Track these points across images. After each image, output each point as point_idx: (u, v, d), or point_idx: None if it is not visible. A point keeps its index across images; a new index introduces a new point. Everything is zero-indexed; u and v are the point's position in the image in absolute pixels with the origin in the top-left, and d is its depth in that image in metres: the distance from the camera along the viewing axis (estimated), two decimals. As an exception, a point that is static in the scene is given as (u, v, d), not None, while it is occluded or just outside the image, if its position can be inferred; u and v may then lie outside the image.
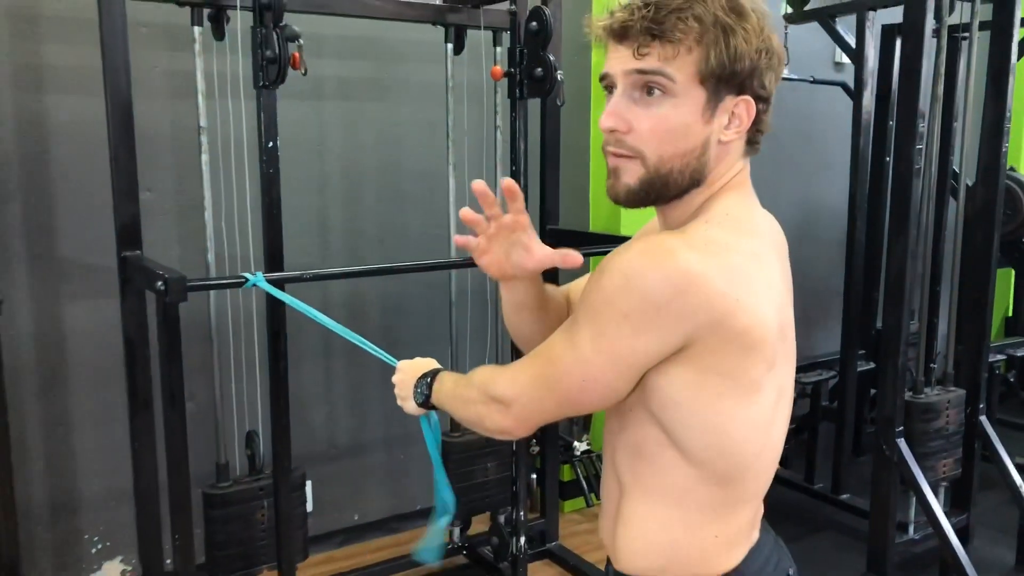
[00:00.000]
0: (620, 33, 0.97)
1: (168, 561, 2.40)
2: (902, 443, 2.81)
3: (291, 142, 2.80)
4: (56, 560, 2.63)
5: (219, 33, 2.27)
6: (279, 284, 2.07)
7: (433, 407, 1.25)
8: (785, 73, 3.42)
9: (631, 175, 1.00)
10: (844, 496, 3.35)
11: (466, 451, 2.73)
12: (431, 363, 1.28)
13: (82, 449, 2.62)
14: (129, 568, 2.72)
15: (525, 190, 2.60)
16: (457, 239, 1.20)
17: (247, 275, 1.89)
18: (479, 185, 1.09)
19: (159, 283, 1.79)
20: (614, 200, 1.03)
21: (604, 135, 1.01)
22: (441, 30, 2.60)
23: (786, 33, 3.39)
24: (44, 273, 2.50)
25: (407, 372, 1.28)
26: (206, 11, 2.22)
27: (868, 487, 2.89)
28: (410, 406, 1.27)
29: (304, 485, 2.49)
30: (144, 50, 2.52)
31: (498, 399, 1.04)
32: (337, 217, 2.97)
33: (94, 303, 2.50)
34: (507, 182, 1.11)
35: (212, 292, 2.38)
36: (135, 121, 2.08)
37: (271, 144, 2.11)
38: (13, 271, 2.46)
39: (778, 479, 3.55)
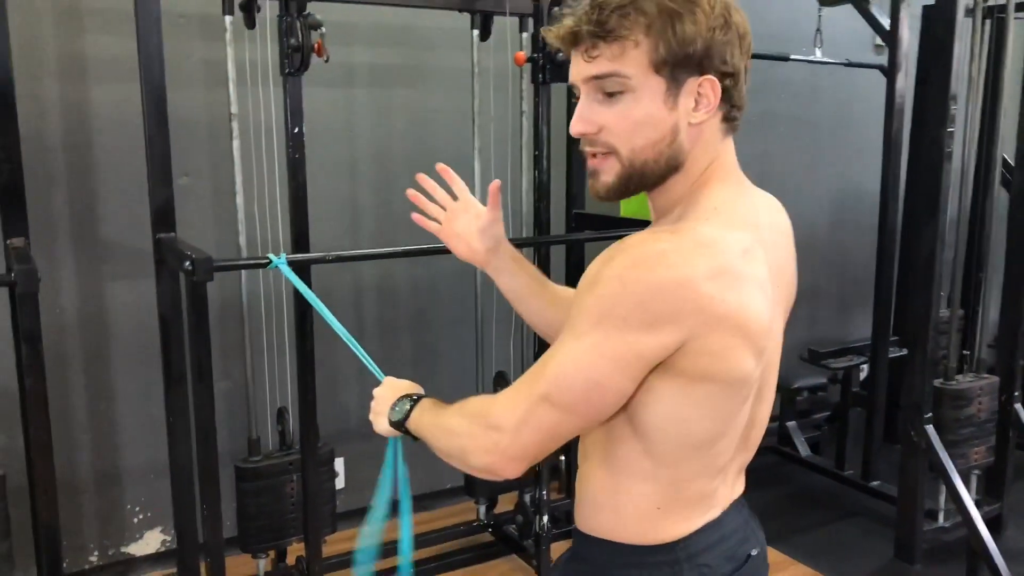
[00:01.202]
0: (570, 40, 1.01)
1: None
2: (930, 430, 2.78)
3: (323, 128, 2.88)
4: (101, 528, 2.76)
5: (250, 22, 2.34)
6: (302, 265, 2.15)
7: (406, 431, 1.21)
8: (819, 56, 3.42)
9: (608, 172, 1.03)
10: (874, 483, 3.32)
11: (491, 431, 2.78)
12: (415, 387, 1.26)
13: (124, 423, 2.74)
14: (168, 538, 2.84)
15: (549, 174, 2.64)
16: (414, 216, 1.35)
17: (271, 256, 1.96)
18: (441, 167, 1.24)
19: (187, 263, 1.87)
20: (596, 197, 1.07)
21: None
22: (467, 17, 2.64)
23: (819, 16, 3.36)
24: (87, 254, 2.62)
25: (389, 388, 1.26)
26: (237, 1, 2.29)
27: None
28: (381, 423, 1.23)
29: (332, 461, 2.57)
30: (181, 39, 2.61)
31: (495, 427, 1.01)
32: (368, 202, 3.04)
33: (134, 283, 2.61)
34: (492, 187, 1.30)
35: (244, 274, 2.47)
36: (173, 108, 2.16)
37: (297, 130, 2.18)
38: (59, 252, 2.58)
39: (808, 465, 3.56)
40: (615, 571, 1.08)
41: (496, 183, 1.34)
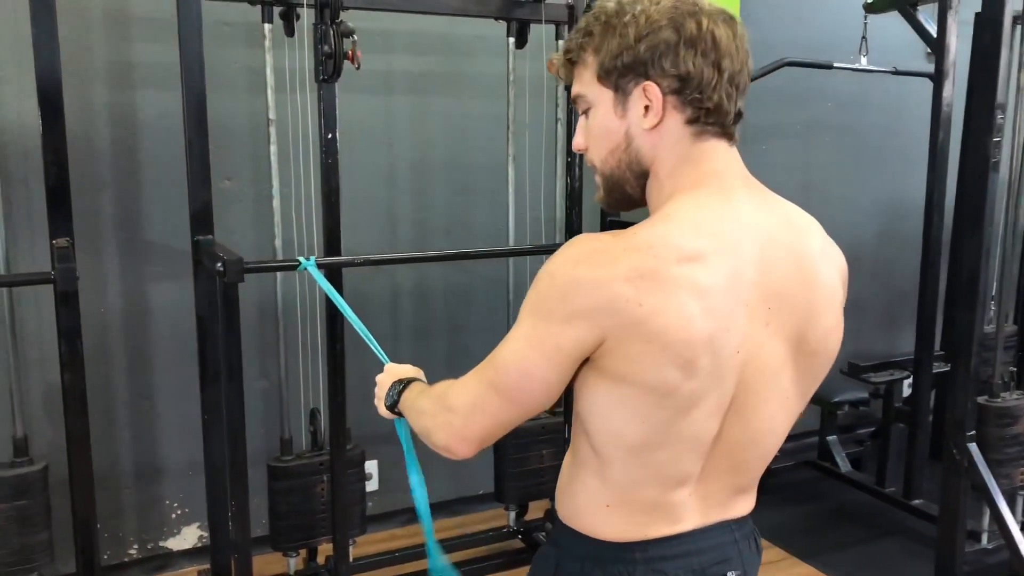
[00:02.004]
0: (559, 73, 1.13)
1: (236, 528, 2.56)
2: (973, 448, 2.70)
3: (362, 135, 2.92)
4: (140, 522, 2.83)
5: (289, 30, 2.40)
6: (333, 268, 2.19)
7: (399, 414, 1.32)
8: (865, 64, 3.35)
9: (599, 187, 1.13)
10: (916, 501, 3.24)
11: (522, 437, 2.79)
12: (416, 372, 1.37)
13: (164, 421, 2.81)
14: (205, 534, 2.90)
15: (582, 181, 2.64)
16: None
17: (300, 259, 2.00)
18: None
19: (218, 264, 1.92)
20: (605, 208, 1.18)
21: None
22: (504, 25, 2.66)
23: (865, 23, 3.30)
24: (131, 255, 2.70)
25: (389, 375, 1.37)
26: (276, 9, 2.34)
27: (942, 493, 2.80)
28: (381, 407, 1.36)
29: (362, 462, 2.60)
30: (225, 47, 2.68)
31: (449, 408, 1.10)
32: (406, 208, 3.08)
33: (175, 284, 2.68)
34: None
35: (279, 277, 2.52)
36: (216, 114, 2.22)
37: (330, 135, 2.22)
38: (104, 253, 2.66)
39: (848, 481, 3.49)
40: (575, 560, 1.12)
41: None
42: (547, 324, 0.99)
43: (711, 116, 1.03)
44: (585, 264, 0.97)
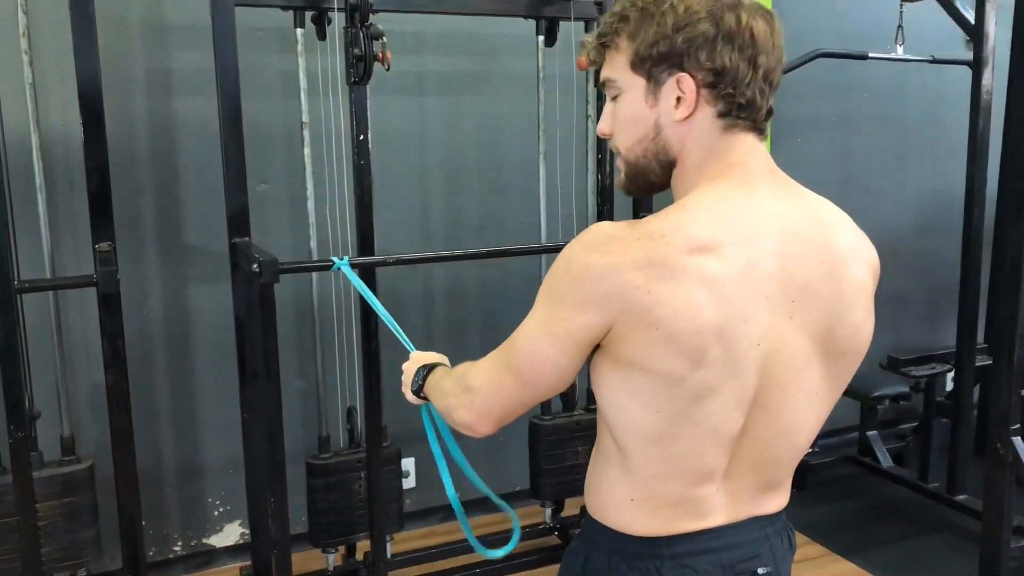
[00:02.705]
0: (592, 54, 1.11)
1: (277, 525, 2.60)
2: (1018, 442, 2.66)
3: (394, 136, 2.95)
4: (184, 520, 2.89)
5: (321, 34, 2.43)
6: (366, 268, 2.22)
7: (425, 399, 1.37)
8: (901, 54, 3.30)
9: (622, 171, 1.12)
10: (960, 497, 3.18)
11: (556, 434, 2.80)
12: (440, 358, 1.43)
13: (205, 420, 2.87)
14: (247, 531, 2.95)
15: (612, 178, 2.64)
16: None
17: (334, 259, 2.03)
18: None
19: (254, 266, 1.96)
20: (624, 193, 1.17)
21: None
22: (533, 23, 2.67)
23: (901, 12, 3.25)
24: (172, 258, 2.76)
25: (414, 361, 1.43)
26: (308, 14, 2.38)
27: (986, 488, 2.75)
28: (408, 394, 1.42)
29: (399, 459, 2.63)
30: (259, 52, 2.73)
31: (468, 388, 1.14)
32: (438, 207, 3.10)
33: (214, 286, 2.73)
34: None
35: (315, 277, 2.56)
36: (252, 118, 2.26)
37: (362, 137, 2.25)
38: (145, 257, 2.72)
39: (890, 476, 3.44)
40: (603, 554, 1.12)
41: None
42: (558, 309, 1.01)
43: (743, 111, 1.03)
44: (598, 251, 0.98)
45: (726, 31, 1.01)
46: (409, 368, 1.42)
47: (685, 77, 1.02)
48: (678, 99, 1.03)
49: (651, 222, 1.00)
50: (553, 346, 1.02)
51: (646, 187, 1.10)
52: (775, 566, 1.14)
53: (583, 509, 2.83)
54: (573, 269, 1.00)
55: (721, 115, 1.03)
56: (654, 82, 1.04)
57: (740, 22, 1.01)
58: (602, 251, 0.98)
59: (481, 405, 1.11)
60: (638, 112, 1.06)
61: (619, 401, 1.04)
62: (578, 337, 1.01)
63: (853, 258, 1.07)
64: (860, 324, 1.08)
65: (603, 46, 1.08)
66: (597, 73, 1.13)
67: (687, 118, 1.03)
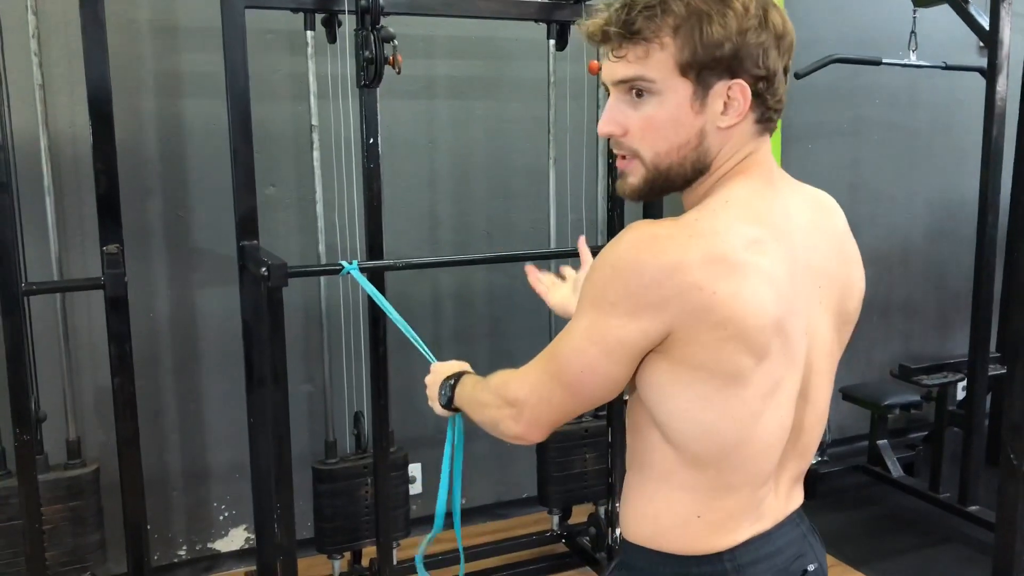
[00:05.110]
0: (599, 37, 0.99)
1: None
2: (1031, 453, 2.62)
3: (403, 139, 2.94)
4: (189, 524, 2.88)
5: (331, 36, 2.42)
6: (375, 272, 2.20)
7: (456, 410, 1.31)
8: (914, 60, 3.28)
9: (635, 176, 1.02)
10: (972, 508, 3.15)
11: (564, 441, 2.78)
12: (462, 366, 1.36)
13: (211, 424, 2.86)
14: (252, 536, 2.93)
15: (624, 183, 2.62)
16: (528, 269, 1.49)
17: (343, 263, 2.01)
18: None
19: (263, 269, 1.94)
20: (623, 197, 1.08)
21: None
22: (544, 28, 2.65)
23: (914, 17, 3.23)
24: (179, 261, 2.75)
25: (437, 374, 1.36)
26: (318, 16, 2.36)
27: (999, 499, 2.71)
28: (436, 407, 1.34)
29: (406, 465, 2.61)
30: (269, 55, 2.72)
31: (511, 402, 1.07)
32: (447, 211, 3.08)
33: (221, 289, 2.72)
34: (580, 242, 1.52)
35: (323, 281, 2.54)
36: (262, 121, 2.25)
37: (372, 140, 2.23)
38: (153, 259, 2.71)
39: (901, 486, 3.40)
40: None
41: (582, 239, 1.56)
42: (608, 317, 0.93)
43: (775, 113, 1.01)
44: (649, 251, 0.91)
45: (777, 33, 0.96)
46: (433, 381, 1.35)
47: (742, 84, 0.96)
48: (725, 104, 0.97)
49: (699, 220, 0.95)
50: (603, 356, 0.96)
51: (659, 193, 1.03)
52: (819, 563, 1.12)
53: (591, 516, 2.83)
54: (623, 272, 0.92)
55: (759, 120, 1.00)
56: (703, 87, 0.96)
57: (785, 23, 0.98)
58: (654, 251, 0.91)
59: (530, 416, 1.05)
60: (680, 117, 0.97)
61: (687, 412, 0.97)
62: (631, 345, 0.94)
63: (850, 238, 1.12)
64: (860, 295, 1.13)
65: (634, 35, 0.95)
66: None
67: (732, 126, 0.98)
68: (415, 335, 1.66)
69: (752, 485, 1.03)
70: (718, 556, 1.03)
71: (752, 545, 1.04)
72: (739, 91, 0.96)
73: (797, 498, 1.13)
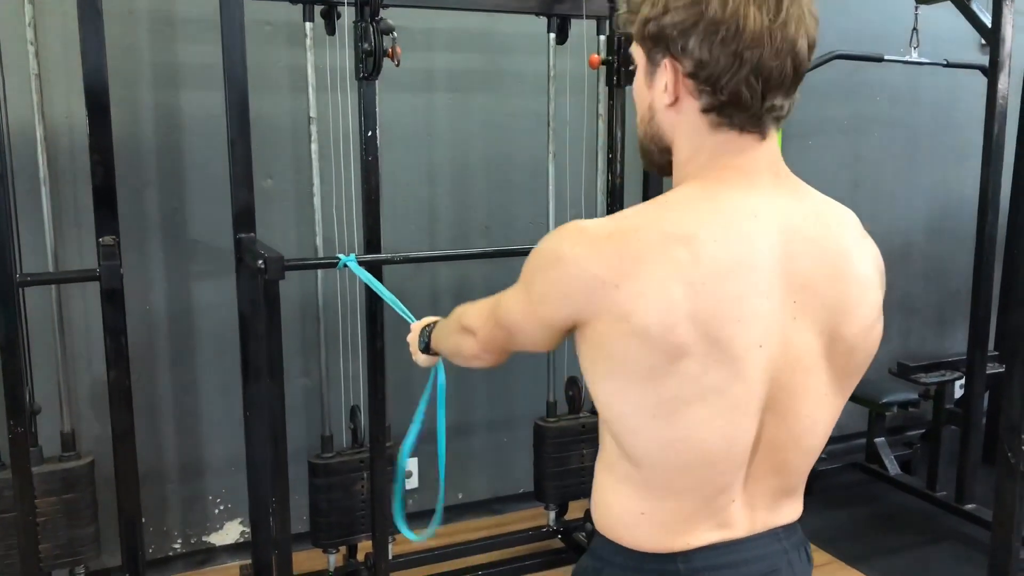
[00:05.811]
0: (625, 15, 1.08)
1: (278, 524, 2.58)
2: (1029, 451, 2.62)
3: (402, 132, 2.93)
4: (184, 517, 2.87)
5: (330, 28, 2.40)
6: (373, 265, 2.19)
7: (434, 353, 1.48)
8: (915, 57, 3.27)
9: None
10: (969, 506, 3.15)
11: (561, 436, 2.78)
12: (434, 318, 1.53)
13: (207, 417, 2.85)
14: (247, 529, 2.92)
15: (623, 177, 2.62)
16: None
17: (340, 256, 2.00)
18: None
19: (260, 262, 1.93)
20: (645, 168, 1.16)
21: None
22: (544, 21, 2.64)
23: (916, 14, 3.21)
24: (176, 254, 2.73)
25: (414, 331, 1.56)
26: (317, 8, 2.35)
27: (996, 497, 2.71)
28: (420, 358, 1.53)
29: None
30: (267, 46, 2.70)
31: (468, 328, 1.25)
32: (446, 205, 3.07)
33: (218, 282, 2.71)
34: None
35: (320, 274, 2.53)
36: (260, 113, 2.23)
37: (370, 133, 2.22)
38: (149, 251, 2.70)
39: (898, 484, 3.40)
40: (616, 572, 1.07)
41: None
42: (529, 295, 1.04)
43: (727, 108, 0.97)
44: (568, 243, 0.98)
45: (709, 20, 0.93)
46: (413, 339, 1.54)
47: (671, 62, 0.98)
48: (666, 84, 0.99)
49: (627, 217, 0.99)
50: (527, 324, 1.07)
51: (653, 165, 1.09)
52: None
53: (588, 512, 2.82)
54: (541, 261, 1.01)
55: (705, 111, 0.98)
56: (651, 63, 1.01)
57: (726, 10, 0.93)
58: (571, 243, 0.97)
59: (481, 343, 1.22)
60: (640, 89, 1.05)
61: (610, 400, 1.00)
62: (547, 321, 1.03)
63: (859, 258, 1.03)
64: (869, 324, 1.04)
65: (630, 12, 1.04)
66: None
67: (672, 106, 1.00)
68: (397, 300, 1.85)
69: (701, 492, 1.01)
70: (670, 556, 1.03)
71: (713, 551, 1.03)
72: (670, 70, 0.98)
73: (786, 513, 1.10)
